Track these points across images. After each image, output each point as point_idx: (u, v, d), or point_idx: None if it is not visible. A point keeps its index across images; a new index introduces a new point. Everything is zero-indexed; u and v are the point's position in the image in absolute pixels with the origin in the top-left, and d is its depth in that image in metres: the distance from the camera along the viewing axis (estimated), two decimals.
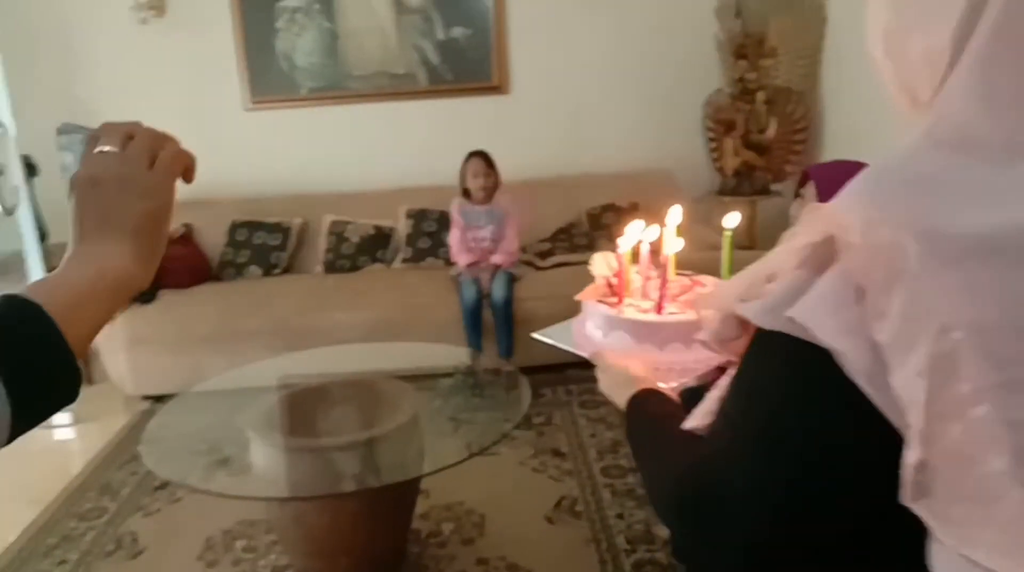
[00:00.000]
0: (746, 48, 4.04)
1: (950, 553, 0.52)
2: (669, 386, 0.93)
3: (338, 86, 4.33)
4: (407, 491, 2.46)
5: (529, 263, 3.94)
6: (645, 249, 1.08)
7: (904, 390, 0.52)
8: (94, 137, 0.59)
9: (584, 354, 1.04)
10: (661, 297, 0.99)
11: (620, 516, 2.62)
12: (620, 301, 1.02)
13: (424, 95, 4.39)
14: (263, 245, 4.06)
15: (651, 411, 0.87)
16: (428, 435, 2.59)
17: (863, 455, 0.58)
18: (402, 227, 4.16)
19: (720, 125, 4.19)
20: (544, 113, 4.44)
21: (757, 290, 0.63)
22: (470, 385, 3.63)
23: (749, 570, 0.65)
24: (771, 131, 4.08)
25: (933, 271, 0.50)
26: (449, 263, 4.00)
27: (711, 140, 4.39)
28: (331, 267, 4.08)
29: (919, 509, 0.53)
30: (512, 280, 3.70)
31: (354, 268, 4.07)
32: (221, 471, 3.13)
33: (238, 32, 4.21)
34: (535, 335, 1.13)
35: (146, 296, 3.77)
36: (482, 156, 3.77)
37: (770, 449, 0.61)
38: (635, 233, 1.06)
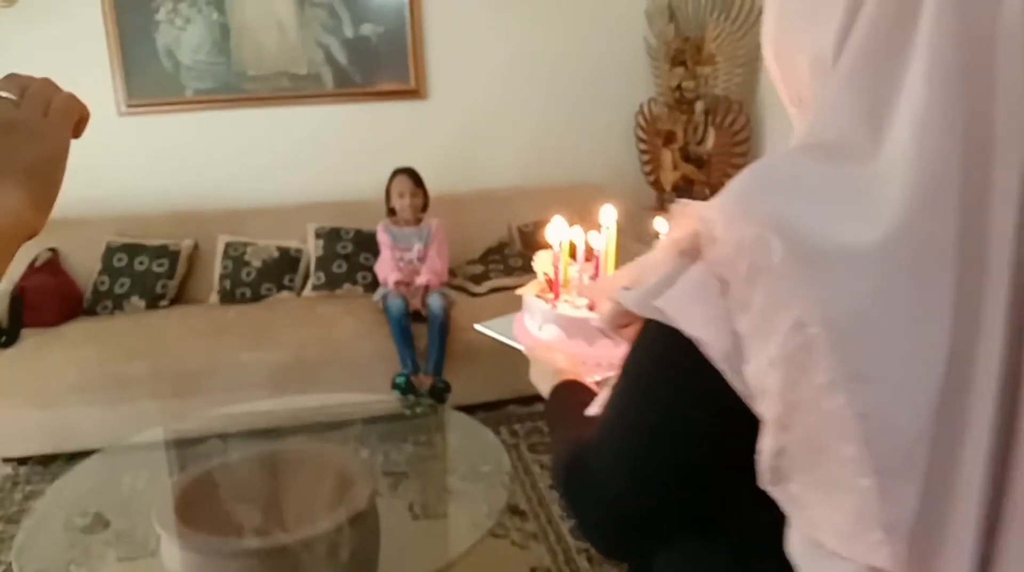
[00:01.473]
0: (684, 54, 3.79)
1: (802, 537, 0.56)
2: (594, 379, 0.97)
3: (231, 88, 3.78)
4: None
5: (460, 289, 3.53)
6: (582, 248, 1.11)
7: (756, 379, 0.55)
8: None
9: (520, 346, 1.07)
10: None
11: None
12: (556, 297, 1.06)
13: (331, 99, 3.90)
14: (146, 272, 3.46)
15: (566, 400, 0.91)
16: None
17: (723, 440, 0.61)
18: (311, 249, 3.66)
19: (657, 136, 3.92)
20: (466, 121, 4.04)
21: (643, 280, 0.65)
22: (405, 430, 3.19)
23: (616, 537, 0.70)
24: (710, 143, 3.85)
25: (793, 268, 0.53)
26: (369, 290, 3.54)
27: (644, 152, 4.12)
28: (229, 297, 3.52)
29: (776, 493, 0.56)
30: (447, 300, 3.30)
31: (256, 297, 3.53)
32: (109, 553, 2.60)
33: (109, 24, 3.59)
34: (478, 326, 1.17)
35: (5, 337, 3.12)
36: (409, 174, 3.35)
37: (637, 426, 0.64)
38: (560, 231, 1.08)
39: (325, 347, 3.18)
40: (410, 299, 3.24)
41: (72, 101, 0.60)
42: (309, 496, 2.06)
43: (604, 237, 1.09)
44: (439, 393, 3.19)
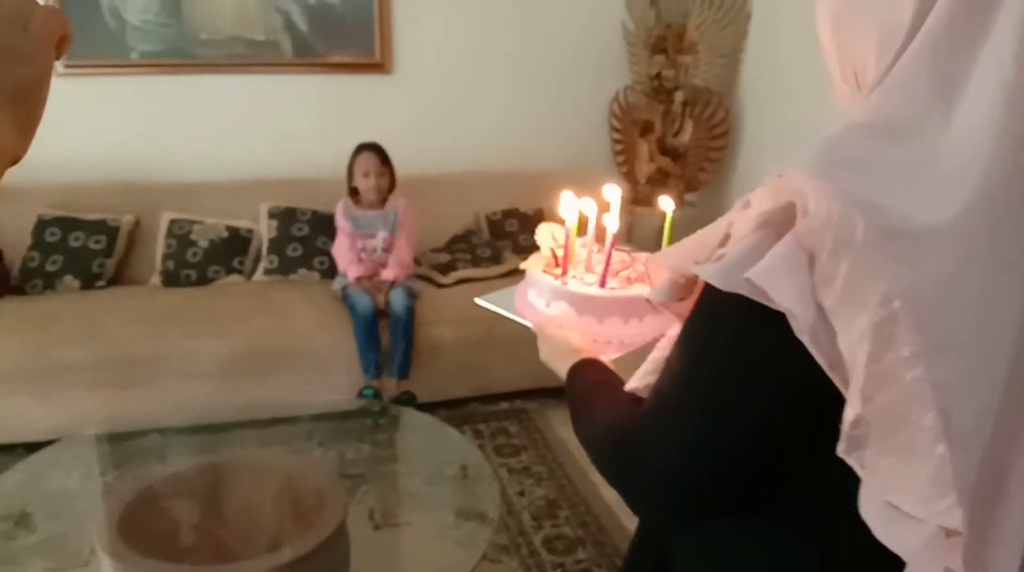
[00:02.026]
0: (665, 42, 3.64)
1: (877, 500, 0.57)
2: (610, 357, 0.96)
3: (181, 52, 3.49)
4: None
5: (426, 278, 3.34)
6: (592, 223, 1.08)
7: (848, 352, 0.56)
8: None
9: (526, 322, 1.05)
10: (605, 272, 1.01)
11: None
12: (564, 273, 1.03)
13: (290, 68, 3.64)
14: (81, 249, 3.18)
15: (591, 378, 0.89)
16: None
17: (793, 413, 0.63)
18: (264, 229, 3.41)
19: (634, 126, 3.76)
20: (433, 99, 3.82)
21: (709, 253, 0.65)
22: (362, 428, 3.00)
23: (672, 505, 0.71)
24: (687, 135, 3.72)
25: (876, 244, 0.55)
26: (326, 276, 3.32)
27: (617, 142, 3.97)
28: (172, 279, 3.26)
29: (852, 460, 0.57)
30: (411, 295, 3.10)
31: (203, 280, 3.28)
32: (35, 562, 2.40)
33: None
34: (478, 300, 1.11)
35: None
36: (375, 150, 3.13)
37: (710, 406, 0.65)
38: (572, 205, 1.05)
39: (280, 337, 2.96)
40: (373, 294, 3.03)
41: (54, 16, 0.55)
42: (268, 515, 1.87)
43: (614, 215, 1.05)
44: (404, 402, 3.00)
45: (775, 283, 0.58)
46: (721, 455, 0.65)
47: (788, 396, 0.62)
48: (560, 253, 1.07)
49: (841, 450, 0.57)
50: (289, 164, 3.63)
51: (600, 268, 1.05)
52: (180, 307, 3.05)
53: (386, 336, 3.01)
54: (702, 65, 3.70)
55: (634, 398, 0.79)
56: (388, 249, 3.14)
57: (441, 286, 3.32)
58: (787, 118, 3.49)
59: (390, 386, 3.02)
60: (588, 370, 0.91)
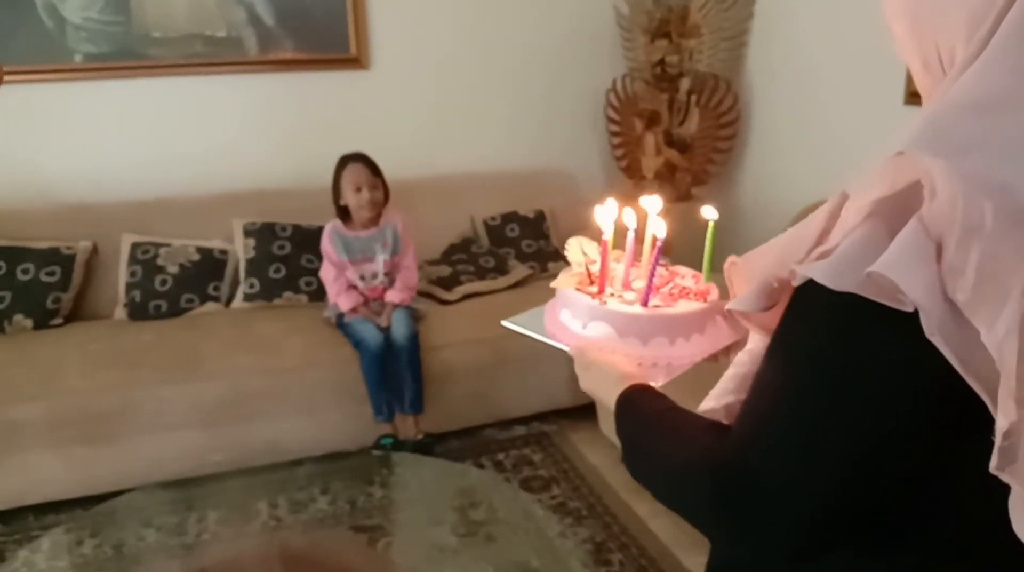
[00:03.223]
0: (668, 25, 3.35)
1: None
2: (657, 383, 0.88)
3: (131, 53, 3.08)
4: None
5: (428, 295, 3.01)
6: (631, 236, 0.99)
7: (995, 352, 0.50)
8: None
9: (563, 347, 0.95)
10: (648, 289, 0.93)
11: None
12: (601, 290, 0.95)
13: (255, 67, 3.26)
14: (32, 282, 2.77)
15: (651, 405, 0.80)
16: None
17: (930, 428, 0.56)
18: (240, 249, 3.04)
19: (639, 118, 3.47)
20: (415, 96, 3.48)
21: (807, 252, 0.60)
22: (366, 467, 2.67)
23: (795, 556, 0.64)
24: (693, 125, 3.45)
25: (1007, 229, 0.50)
26: (315, 299, 2.97)
27: (615, 135, 3.68)
28: (139, 311, 2.87)
29: (1006, 477, 0.52)
30: (414, 317, 2.77)
31: (175, 311, 2.89)
32: None
33: None
34: (505, 323, 1.02)
35: None
36: (364, 161, 2.77)
37: (829, 420, 0.58)
38: (610, 214, 0.97)
39: (269, 376, 2.61)
40: (374, 321, 2.69)
41: None
42: None
43: (660, 226, 0.97)
44: (425, 448, 2.67)
45: (906, 276, 0.53)
46: (845, 477, 0.59)
47: (917, 405, 0.56)
48: (594, 269, 0.99)
49: (993, 466, 0.52)
50: (263, 174, 3.26)
51: (639, 284, 0.98)
52: (151, 346, 2.67)
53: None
54: (706, 49, 3.43)
55: (714, 424, 0.71)
56: (389, 273, 2.79)
57: (445, 303, 2.99)
58: (799, 102, 3.25)
59: (404, 425, 2.69)
60: (644, 397, 0.82)
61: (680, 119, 3.47)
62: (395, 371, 2.64)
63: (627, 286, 0.97)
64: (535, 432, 3.01)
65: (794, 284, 0.61)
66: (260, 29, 3.22)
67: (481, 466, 2.78)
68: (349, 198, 2.72)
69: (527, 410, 2.98)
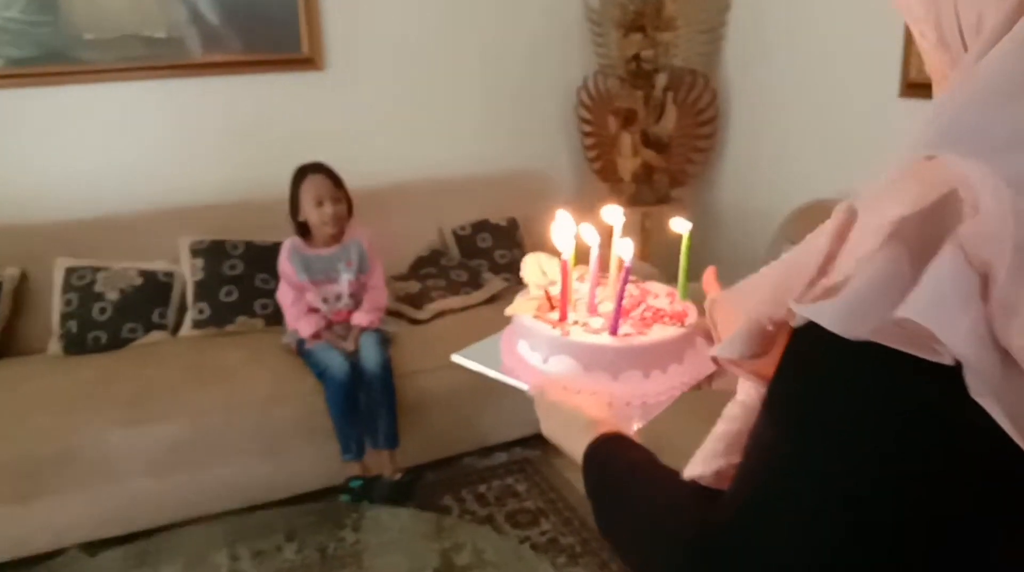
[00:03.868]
0: (643, 18, 3.16)
1: None
2: (635, 427, 0.77)
3: (60, 56, 2.78)
4: None
5: (397, 314, 2.77)
6: (594, 253, 0.87)
7: None
8: None
9: (521, 385, 0.83)
10: (617, 314, 0.81)
11: None
12: (563, 318, 0.83)
13: (200, 70, 2.98)
14: None
15: (622, 460, 0.68)
16: None
17: (974, 504, 0.44)
18: (187, 271, 2.77)
19: (615, 116, 3.28)
20: (374, 98, 3.24)
21: (807, 286, 0.48)
22: (335, 510, 2.43)
23: None
24: (671, 123, 3.27)
25: None
26: (272, 322, 2.71)
27: (588, 136, 3.48)
28: (76, 344, 2.59)
29: None
30: (384, 340, 2.54)
31: (116, 343, 2.62)
32: None
33: None
34: (455, 357, 0.89)
35: None
36: (324, 172, 2.52)
37: (842, 497, 0.45)
38: (568, 231, 0.85)
39: (226, 413, 2.35)
40: (339, 346, 2.46)
41: None
42: None
43: (626, 242, 0.85)
44: (405, 491, 2.44)
45: (944, 320, 0.40)
46: (865, 565, 0.45)
47: (956, 476, 0.43)
48: (554, 292, 0.87)
49: None
50: (210, 187, 2.99)
51: (606, 307, 0.87)
52: (91, 383, 2.39)
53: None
54: (682, 43, 3.26)
55: (700, 489, 0.60)
56: (355, 294, 2.55)
57: (416, 322, 2.76)
58: (782, 97, 3.10)
59: (378, 462, 2.46)
60: (614, 449, 0.71)
61: (656, 117, 3.29)
62: (367, 402, 2.41)
63: (593, 310, 0.86)
64: (517, 459, 2.80)
65: (792, 325, 0.49)
66: (204, 28, 2.95)
67: (462, 500, 2.57)
68: (309, 213, 2.48)
69: (508, 436, 2.77)
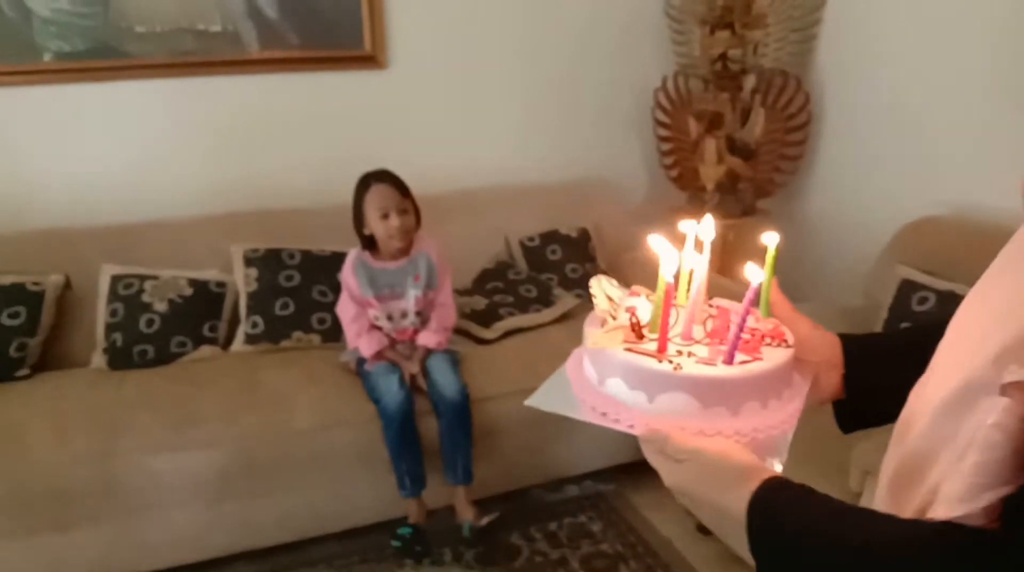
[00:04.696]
0: (731, 14, 2.91)
1: None
2: (774, 466, 0.69)
3: (110, 51, 2.62)
4: None
5: (464, 333, 2.55)
6: (700, 274, 0.78)
7: None
8: None
9: (629, 430, 0.71)
10: (735, 342, 0.71)
11: None
12: (663, 349, 0.73)
13: (256, 66, 2.80)
14: None
15: (818, 506, 0.61)
16: None
17: None
18: (240, 281, 2.58)
19: (698, 120, 3.03)
20: (438, 99, 3.03)
21: None
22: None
23: None
24: (758, 129, 3.01)
25: None
26: (330, 338, 2.51)
27: (665, 140, 3.23)
28: (121, 358, 2.41)
29: None
30: (455, 362, 2.32)
31: (164, 358, 2.43)
32: None
33: None
34: (531, 403, 0.77)
35: None
36: (390, 180, 2.31)
37: None
38: (671, 250, 0.74)
39: (280, 439, 2.15)
40: (402, 366, 2.25)
41: None
42: None
43: (757, 271, 0.73)
44: (485, 540, 2.22)
45: None
46: None
47: None
48: (624, 316, 0.77)
49: None
50: (265, 191, 2.81)
51: (675, 329, 0.77)
52: (136, 403, 2.20)
53: (425, 423, 2.22)
54: (772, 42, 2.99)
55: (951, 526, 0.54)
56: (422, 311, 2.34)
57: (483, 342, 2.54)
58: (880, 102, 2.81)
59: (455, 501, 2.25)
60: (793, 496, 0.61)
61: (742, 122, 3.03)
62: (444, 433, 2.20)
63: (687, 337, 0.76)
64: (589, 493, 2.57)
65: None
66: (261, 22, 2.77)
67: (531, 540, 2.33)
68: (375, 226, 2.26)
69: (582, 468, 2.53)
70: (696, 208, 3.10)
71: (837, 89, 3.02)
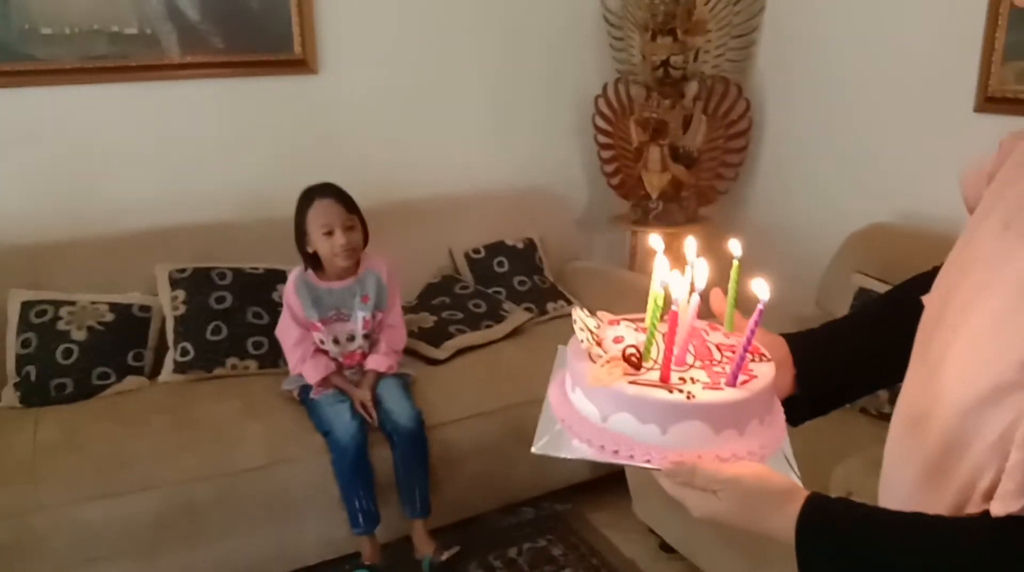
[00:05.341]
0: (674, 20, 2.87)
1: None
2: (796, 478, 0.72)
3: (11, 54, 2.38)
4: None
5: (412, 353, 2.43)
6: (695, 298, 0.79)
7: None
8: None
9: (649, 466, 0.70)
10: (739, 364, 0.72)
11: None
12: (666, 377, 0.72)
13: (176, 71, 2.60)
14: None
15: (872, 518, 0.63)
16: None
17: None
18: (166, 304, 2.38)
19: (641, 128, 2.98)
20: (374, 106, 2.90)
21: None
22: None
23: None
24: (700, 136, 2.98)
25: None
26: (267, 364, 2.35)
27: (605, 148, 3.18)
28: (35, 394, 2.19)
29: None
30: (407, 386, 2.20)
31: (85, 392, 2.22)
32: None
33: None
34: (538, 450, 0.77)
35: None
36: (335, 195, 2.16)
37: None
38: (672, 276, 0.74)
39: (221, 480, 1.99)
40: (351, 394, 2.11)
41: None
42: None
43: (764, 286, 0.75)
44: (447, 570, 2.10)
45: None
46: None
47: None
48: (607, 347, 0.77)
49: None
50: (190, 206, 2.62)
51: (685, 356, 0.76)
52: (55, 444, 2.00)
53: (378, 452, 2.09)
54: (713, 49, 2.98)
55: (1000, 520, 0.58)
56: (370, 333, 2.20)
57: (434, 362, 2.42)
58: (818, 108, 2.84)
59: (414, 535, 2.13)
60: (841, 511, 0.64)
61: (684, 129, 3.00)
62: (399, 463, 2.07)
63: (681, 363, 0.76)
64: (546, 514, 2.49)
65: None
66: (182, 24, 2.58)
67: (490, 569, 2.24)
68: (319, 244, 2.11)
69: (540, 489, 2.45)
70: (639, 216, 3.06)
71: (778, 95, 3.03)
